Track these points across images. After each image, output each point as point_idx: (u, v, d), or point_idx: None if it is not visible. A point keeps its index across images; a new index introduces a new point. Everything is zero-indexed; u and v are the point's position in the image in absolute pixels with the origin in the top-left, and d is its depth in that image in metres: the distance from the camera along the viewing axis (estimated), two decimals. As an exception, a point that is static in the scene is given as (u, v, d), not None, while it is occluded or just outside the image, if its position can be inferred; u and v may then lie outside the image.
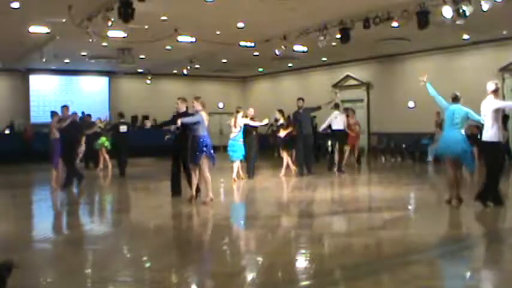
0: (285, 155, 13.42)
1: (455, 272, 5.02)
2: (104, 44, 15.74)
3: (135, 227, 7.46)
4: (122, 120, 14.24)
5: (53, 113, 11.49)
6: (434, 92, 8.35)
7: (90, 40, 12.51)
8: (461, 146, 8.08)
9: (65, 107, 11.46)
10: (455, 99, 8.26)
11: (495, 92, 7.98)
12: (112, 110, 22.38)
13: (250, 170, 12.84)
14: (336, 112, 14.26)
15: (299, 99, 13.52)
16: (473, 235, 6.74)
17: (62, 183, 11.17)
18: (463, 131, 8.19)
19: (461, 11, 10.39)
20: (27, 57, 18.63)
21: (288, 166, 13.38)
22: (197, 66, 20.53)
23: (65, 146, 11.05)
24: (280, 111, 14.09)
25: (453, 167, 8.30)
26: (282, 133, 13.42)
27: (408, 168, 15.88)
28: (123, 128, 13.88)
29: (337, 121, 14.17)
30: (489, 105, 7.87)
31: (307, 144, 13.35)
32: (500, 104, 8.05)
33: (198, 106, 8.93)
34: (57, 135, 11.00)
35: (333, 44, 14.44)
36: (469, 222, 7.46)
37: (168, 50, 17.41)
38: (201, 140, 8.70)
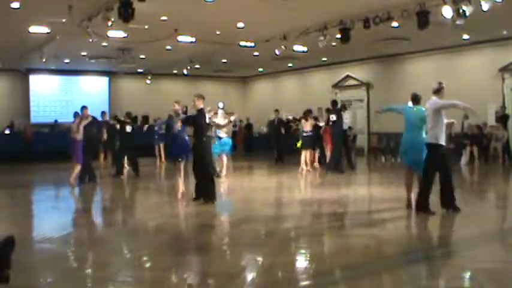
0: (303, 153, 14.01)
1: (455, 272, 5.02)
2: (104, 44, 15.74)
3: (135, 227, 7.46)
4: (128, 120, 14.34)
5: (76, 114, 11.98)
6: (387, 108, 8.21)
7: (90, 40, 12.52)
8: (415, 152, 7.75)
9: (84, 108, 11.92)
10: (415, 100, 8.03)
11: (438, 92, 7.53)
12: (112, 110, 22.35)
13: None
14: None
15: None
16: (473, 235, 6.73)
17: (77, 180, 11.60)
18: (423, 134, 7.79)
19: (461, 11, 10.39)
20: (27, 57, 18.62)
21: (306, 163, 14.04)
22: (197, 66, 20.54)
23: (85, 144, 11.58)
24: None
25: (409, 171, 8.08)
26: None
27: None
28: (128, 128, 14.00)
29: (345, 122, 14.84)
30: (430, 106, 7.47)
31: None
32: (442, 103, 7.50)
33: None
34: (81, 135, 11.44)
35: (333, 44, 14.43)
36: (469, 222, 7.44)
37: (168, 50, 17.40)
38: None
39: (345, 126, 14.62)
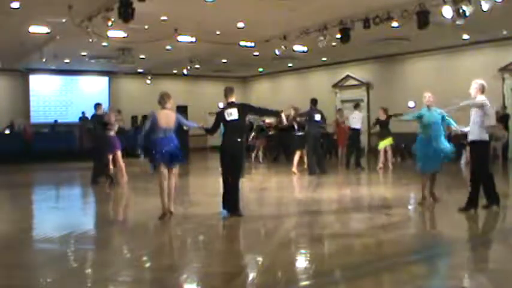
0: (297, 154, 13.68)
1: (455, 272, 5.02)
2: (104, 44, 15.74)
3: (135, 227, 7.46)
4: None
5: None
6: (409, 116, 8.52)
7: (90, 40, 12.52)
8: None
9: (98, 105, 12.40)
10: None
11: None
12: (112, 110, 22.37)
13: None
14: (356, 112, 15.12)
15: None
16: (473, 235, 6.73)
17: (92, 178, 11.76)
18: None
19: (461, 11, 10.38)
20: (27, 57, 18.62)
21: (299, 164, 13.68)
22: (197, 66, 20.52)
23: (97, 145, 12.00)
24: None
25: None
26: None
27: (408, 168, 15.86)
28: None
29: (355, 120, 14.89)
30: None
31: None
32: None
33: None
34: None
35: (333, 44, 14.44)
36: (469, 222, 7.45)
37: (168, 50, 17.40)
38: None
39: (358, 126, 14.80)
